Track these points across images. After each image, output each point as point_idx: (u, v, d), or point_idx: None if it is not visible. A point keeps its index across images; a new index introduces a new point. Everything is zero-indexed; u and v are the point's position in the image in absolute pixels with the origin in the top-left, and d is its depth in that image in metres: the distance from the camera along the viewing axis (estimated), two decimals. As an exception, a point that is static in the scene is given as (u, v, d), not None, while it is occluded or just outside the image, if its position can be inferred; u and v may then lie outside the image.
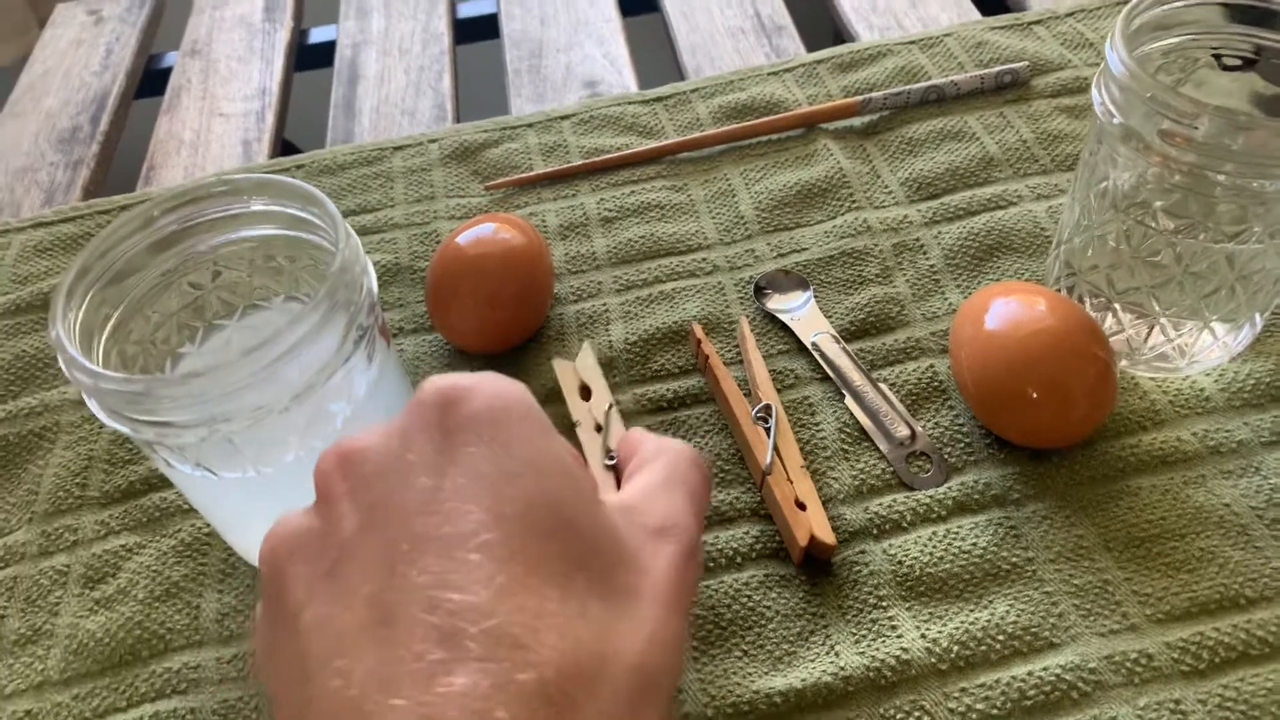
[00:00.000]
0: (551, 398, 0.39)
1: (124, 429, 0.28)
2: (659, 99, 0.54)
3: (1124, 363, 0.38)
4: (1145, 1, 0.33)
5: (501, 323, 0.41)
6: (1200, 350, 0.36)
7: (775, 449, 0.36)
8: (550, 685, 0.18)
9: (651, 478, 0.25)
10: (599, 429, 0.37)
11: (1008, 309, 0.36)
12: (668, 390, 0.40)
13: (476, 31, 0.66)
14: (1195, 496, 0.34)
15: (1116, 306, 0.36)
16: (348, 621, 0.19)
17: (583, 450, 0.36)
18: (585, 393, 0.38)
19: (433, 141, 0.53)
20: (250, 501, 0.31)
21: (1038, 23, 0.55)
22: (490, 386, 0.22)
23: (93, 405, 0.28)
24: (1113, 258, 0.35)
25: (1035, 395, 0.34)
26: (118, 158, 0.59)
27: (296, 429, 0.29)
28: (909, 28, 0.57)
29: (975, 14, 0.58)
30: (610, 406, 0.37)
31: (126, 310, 0.32)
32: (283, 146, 0.60)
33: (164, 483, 0.39)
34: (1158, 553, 0.33)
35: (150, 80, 0.65)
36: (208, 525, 0.37)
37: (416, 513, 0.20)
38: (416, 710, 0.17)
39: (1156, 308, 0.35)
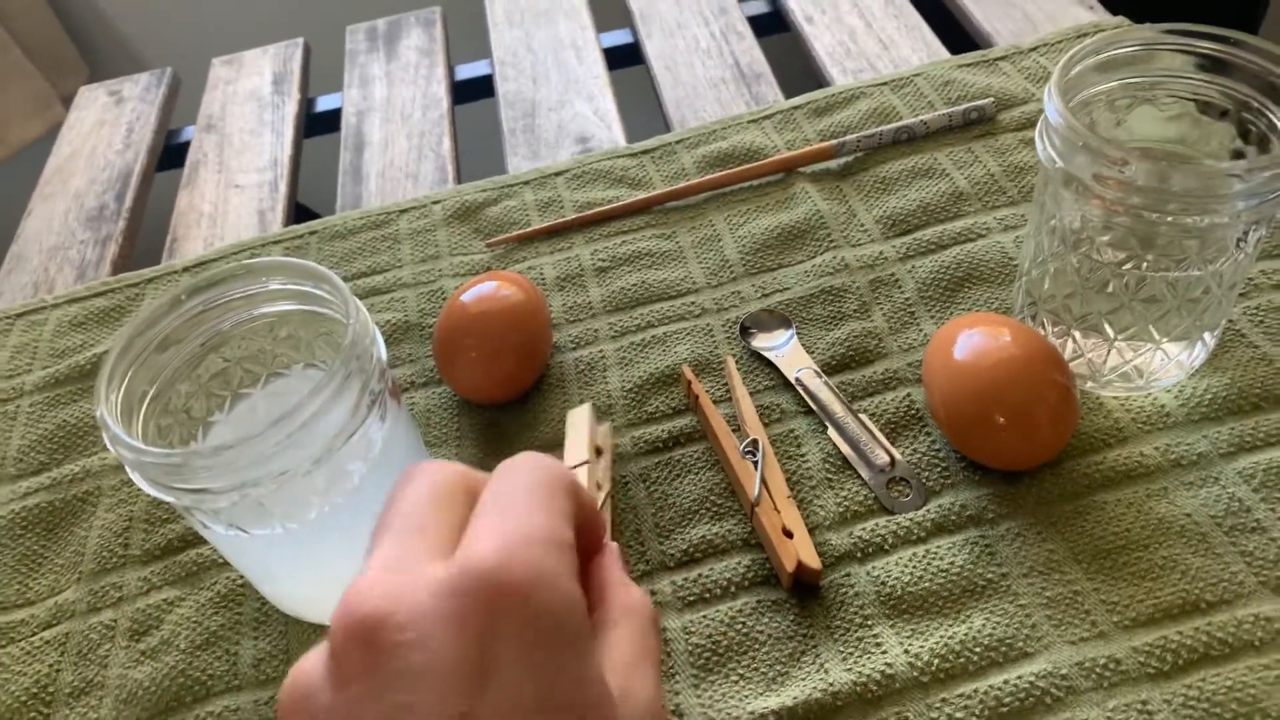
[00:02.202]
0: (551, 446, 0.42)
1: (165, 497, 0.31)
2: (646, 151, 0.57)
3: (1088, 384, 0.40)
4: (1081, 51, 0.36)
5: (505, 374, 0.44)
6: (1157, 369, 0.39)
7: (763, 481, 0.38)
8: None
9: (626, 649, 0.23)
10: (598, 487, 0.39)
11: (973, 341, 0.38)
12: (662, 431, 0.42)
13: (473, 91, 0.70)
14: (1158, 508, 0.37)
15: (1075, 333, 0.39)
16: None
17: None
18: (601, 453, 0.41)
19: (436, 203, 0.56)
20: (280, 555, 0.34)
21: (1003, 58, 0.58)
22: (546, 597, 0.20)
23: (135, 476, 0.31)
24: (1068, 288, 0.38)
25: (1002, 421, 0.37)
26: (143, 230, 0.63)
27: (319, 488, 0.32)
28: (881, 69, 0.60)
29: (944, 53, 0.60)
30: (605, 495, 0.39)
31: (161, 386, 0.35)
32: (296, 211, 0.63)
33: (199, 539, 0.42)
34: (1124, 563, 0.35)
35: (170, 154, 0.69)
36: (241, 577, 0.40)
37: None
38: None
39: (1111, 333, 0.38)
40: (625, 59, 0.69)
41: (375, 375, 0.33)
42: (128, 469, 0.31)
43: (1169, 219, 0.33)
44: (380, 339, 0.34)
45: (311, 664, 0.20)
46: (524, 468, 0.23)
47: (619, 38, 0.70)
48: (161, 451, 0.30)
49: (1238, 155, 0.37)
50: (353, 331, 0.32)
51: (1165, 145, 0.38)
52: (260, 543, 0.33)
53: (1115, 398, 0.40)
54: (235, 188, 0.61)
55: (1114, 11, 0.61)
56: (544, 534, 0.21)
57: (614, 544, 0.26)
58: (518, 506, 0.22)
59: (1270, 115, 0.35)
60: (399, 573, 0.20)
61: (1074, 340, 0.39)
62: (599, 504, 0.39)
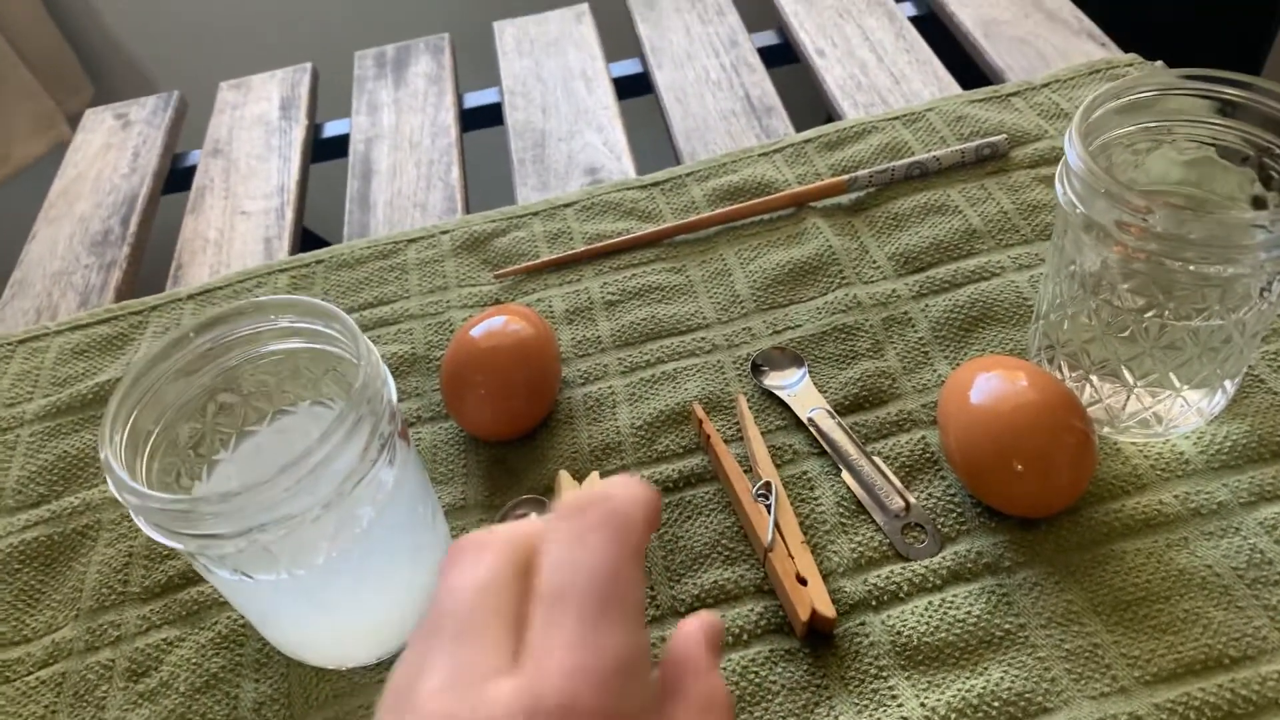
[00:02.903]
0: (543, 491, 0.42)
1: (170, 542, 0.30)
2: (656, 184, 0.57)
3: (1106, 429, 0.40)
4: (1102, 96, 0.35)
5: (513, 411, 0.43)
6: (1176, 416, 0.38)
7: (776, 526, 0.38)
8: None
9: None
10: None
11: (990, 384, 0.38)
12: (673, 470, 0.42)
13: (482, 120, 0.69)
14: (1178, 559, 0.36)
15: (1093, 377, 0.38)
16: None
17: None
18: None
19: (444, 233, 0.56)
20: (284, 601, 0.34)
21: (1015, 94, 0.58)
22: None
23: (140, 521, 0.30)
24: (1086, 333, 0.37)
25: (1020, 468, 0.36)
26: (149, 255, 0.62)
27: (327, 534, 0.32)
28: (893, 104, 0.60)
29: (956, 88, 0.60)
30: None
31: (166, 425, 0.34)
32: (303, 235, 0.63)
33: (201, 577, 0.41)
34: (1144, 615, 0.35)
35: (176, 177, 0.68)
36: (243, 617, 0.39)
37: None
38: None
39: (1130, 379, 0.37)
40: (635, 89, 0.69)
41: (385, 418, 0.33)
42: (132, 514, 0.31)
43: (1190, 267, 0.32)
44: (390, 380, 0.34)
45: None
46: (588, 544, 0.21)
47: (629, 68, 0.70)
48: (168, 497, 0.29)
49: (1258, 201, 0.36)
50: (364, 374, 0.31)
51: (1184, 189, 0.38)
52: (265, 588, 0.32)
53: (1134, 443, 0.40)
54: (241, 214, 0.61)
55: (1125, 48, 0.61)
56: (619, 657, 0.19)
57: (712, 619, 0.25)
58: (589, 610, 0.20)
59: (1292, 163, 0.34)
60: (461, 697, 0.19)
61: (1092, 385, 0.38)
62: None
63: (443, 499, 0.43)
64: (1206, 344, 0.35)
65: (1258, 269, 0.32)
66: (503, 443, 0.44)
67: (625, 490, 0.22)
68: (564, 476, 0.41)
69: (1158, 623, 0.34)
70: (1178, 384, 0.36)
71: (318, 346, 0.35)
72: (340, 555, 0.32)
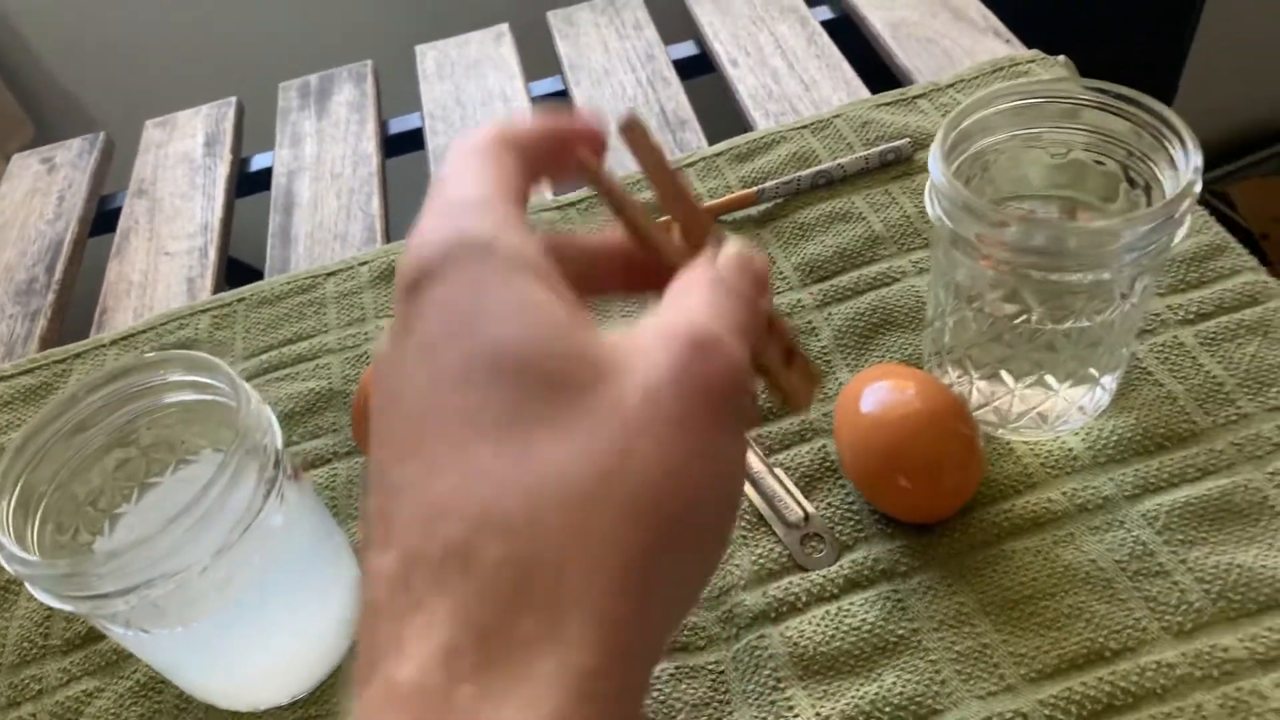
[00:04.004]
0: None
1: (62, 605, 0.31)
2: (571, 204, 0.57)
3: (999, 430, 0.41)
4: (962, 112, 0.36)
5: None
6: (1060, 415, 0.39)
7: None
8: (466, 545, 0.16)
9: (667, 300, 0.20)
10: None
11: (879, 394, 0.39)
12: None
13: (407, 145, 0.70)
14: (1065, 555, 0.37)
15: (979, 381, 0.39)
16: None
17: None
18: None
19: (363, 264, 0.56)
20: (184, 653, 0.34)
21: (921, 96, 0.59)
22: (436, 244, 0.19)
23: (30, 587, 0.31)
24: (967, 339, 0.38)
25: (908, 475, 0.37)
26: (77, 300, 0.62)
27: (217, 584, 0.32)
28: (803, 111, 0.61)
29: (865, 92, 0.61)
30: None
31: (60, 484, 0.35)
32: (237, 269, 0.64)
33: (121, 626, 0.42)
34: (1031, 613, 0.36)
35: (105, 219, 0.69)
36: (161, 664, 0.40)
37: (380, 398, 0.19)
38: (366, 602, 0.17)
39: (1011, 382, 0.38)
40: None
41: (271, 462, 0.33)
42: (24, 581, 0.31)
43: (1052, 276, 0.33)
44: (275, 425, 0.34)
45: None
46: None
47: (549, 86, 0.70)
48: (49, 563, 0.29)
49: (1132, 203, 0.37)
50: (243, 423, 0.32)
51: (1062, 192, 0.39)
52: (164, 641, 0.33)
53: (1025, 442, 0.41)
54: (165, 255, 0.61)
55: (1029, 44, 0.62)
56: (436, 209, 0.20)
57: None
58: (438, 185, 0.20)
59: (1152, 164, 0.35)
60: (445, 217, 0.19)
61: (979, 389, 0.39)
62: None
63: (354, 534, 0.43)
64: (1078, 345, 0.36)
65: (1118, 273, 0.33)
66: (416, 475, 0.45)
67: None
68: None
69: (1043, 619, 0.35)
70: (1055, 385, 0.37)
71: (207, 397, 0.36)
72: (234, 604, 0.33)
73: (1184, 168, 0.33)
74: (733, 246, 0.22)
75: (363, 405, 0.44)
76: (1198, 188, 0.32)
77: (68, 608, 0.31)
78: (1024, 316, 0.35)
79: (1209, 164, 1.30)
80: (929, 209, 0.36)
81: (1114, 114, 0.36)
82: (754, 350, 0.21)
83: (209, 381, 0.35)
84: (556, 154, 0.22)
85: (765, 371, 0.23)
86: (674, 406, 0.17)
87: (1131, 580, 0.36)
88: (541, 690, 0.15)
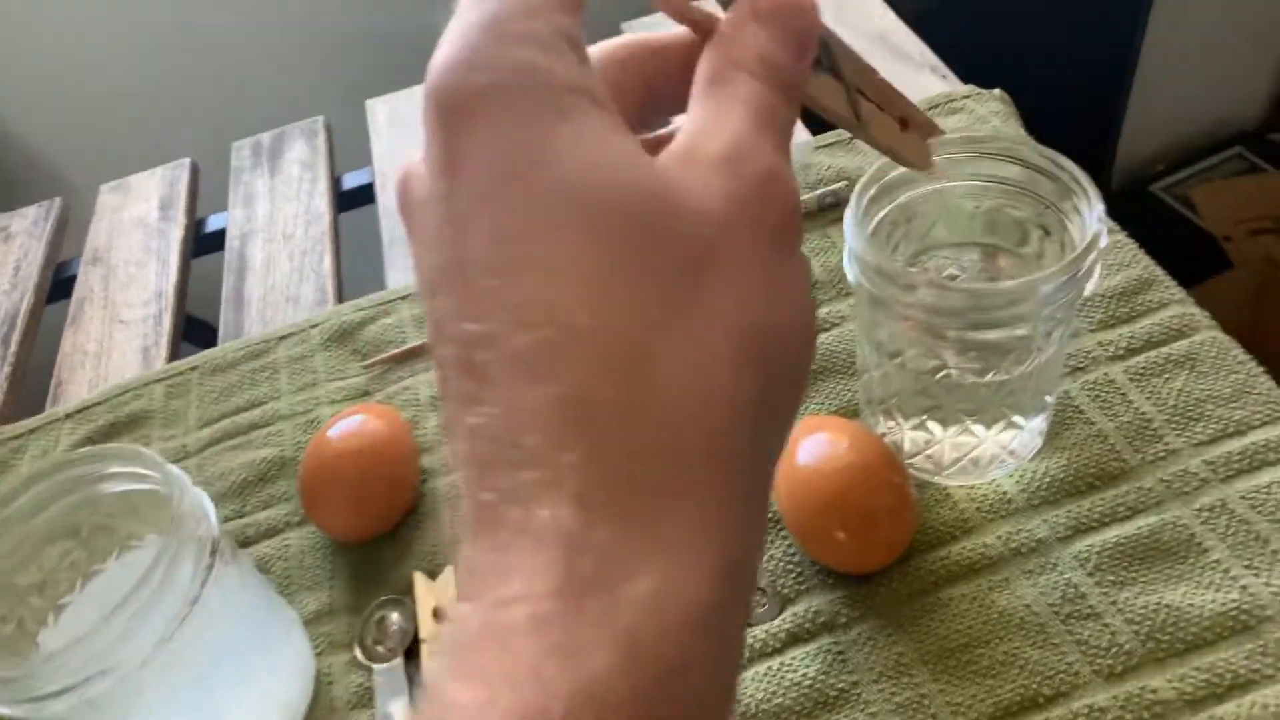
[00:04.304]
0: (406, 594, 0.43)
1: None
2: (519, 257, 0.58)
3: (936, 477, 0.41)
4: (875, 174, 0.37)
5: (371, 513, 0.44)
6: (991, 461, 0.40)
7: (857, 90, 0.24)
8: (580, 396, 0.16)
9: (708, 105, 0.19)
10: None
11: (813, 447, 0.39)
12: (530, 555, 0.43)
13: (361, 199, 0.71)
14: (1000, 601, 0.38)
15: (909, 431, 0.40)
16: (434, 364, 0.19)
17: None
18: (439, 614, 0.41)
19: (314, 326, 0.57)
20: (127, 744, 0.34)
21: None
22: (497, 79, 0.17)
23: (-37, 690, 0.31)
24: (894, 390, 0.39)
25: (844, 528, 0.38)
26: (35, 369, 0.63)
27: (157, 676, 0.33)
28: (745, 154, 0.61)
29: (804, 134, 0.62)
30: None
31: (2, 576, 0.35)
32: (190, 326, 0.64)
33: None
34: (967, 661, 0.36)
35: (61, 287, 0.69)
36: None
37: (433, 244, 0.18)
38: (464, 452, 0.17)
39: (939, 431, 0.39)
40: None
41: (208, 550, 0.34)
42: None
43: (969, 334, 0.34)
44: (212, 512, 0.35)
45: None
46: None
47: (499, 134, 0.71)
48: (-20, 669, 0.30)
49: (1045, 250, 0.38)
50: (177, 513, 0.32)
51: (982, 239, 0.40)
52: (106, 734, 0.33)
53: (962, 487, 0.41)
54: (120, 323, 0.62)
55: (973, 70, 0.63)
56: (478, 22, 0.18)
57: None
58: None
59: (1061, 213, 0.36)
60: (488, 33, 0.18)
61: (910, 438, 0.40)
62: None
63: (309, 606, 0.44)
64: (1001, 394, 0.37)
65: (1033, 328, 0.34)
66: (366, 543, 0.45)
67: None
68: (418, 577, 0.42)
69: (979, 667, 0.36)
70: (982, 433, 0.38)
71: (145, 487, 0.36)
72: (176, 695, 0.33)
73: (1089, 220, 0.34)
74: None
75: (310, 475, 0.44)
76: (1103, 241, 0.33)
77: (3, 710, 0.31)
78: (944, 372, 0.36)
79: (1171, 167, 1.32)
80: (847, 271, 0.37)
81: (1022, 165, 0.36)
82: (868, 132, 0.23)
83: (144, 471, 0.35)
84: None
85: (883, 146, 0.24)
86: (752, 250, 0.17)
87: (1064, 624, 0.36)
88: (681, 548, 0.15)
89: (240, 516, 0.48)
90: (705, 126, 0.19)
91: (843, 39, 0.23)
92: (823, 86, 0.23)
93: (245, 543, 0.47)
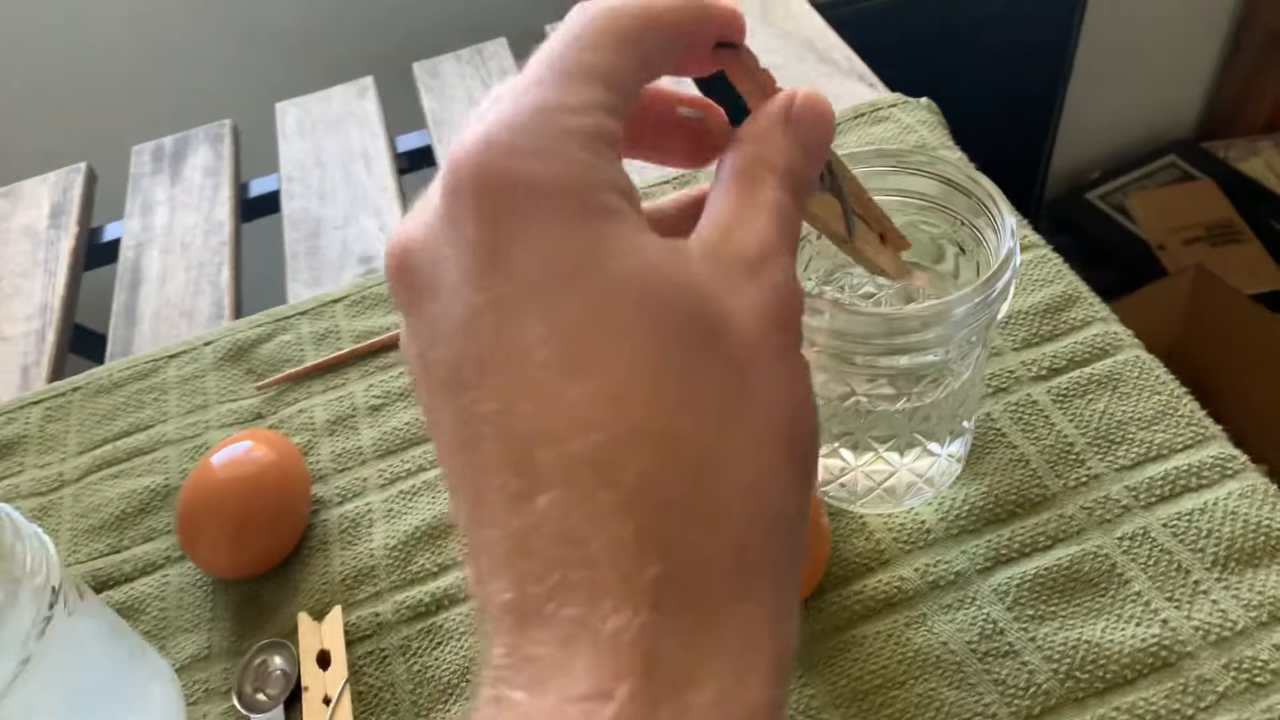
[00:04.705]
0: (290, 636, 0.40)
1: None
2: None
3: (852, 506, 0.39)
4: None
5: (255, 548, 0.41)
6: (907, 489, 0.38)
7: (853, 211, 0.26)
8: (649, 498, 0.16)
9: (737, 199, 0.20)
10: (327, 701, 0.37)
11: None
12: (426, 594, 0.40)
13: (268, 206, 0.67)
14: (916, 638, 0.36)
15: (824, 459, 0.38)
16: (443, 438, 0.18)
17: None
18: (324, 659, 0.38)
19: (207, 344, 0.53)
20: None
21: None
22: (533, 173, 0.17)
23: None
24: (808, 417, 0.37)
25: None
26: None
27: (-14, 744, 0.29)
28: (667, 170, 0.59)
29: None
30: (344, 684, 0.37)
31: None
32: (78, 337, 0.60)
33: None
34: (881, 703, 0.34)
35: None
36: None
37: (465, 331, 0.17)
38: (505, 542, 0.16)
39: (852, 459, 0.37)
40: (424, 162, 0.67)
41: (46, 599, 0.30)
42: None
43: (870, 360, 0.32)
44: (53, 553, 0.31)
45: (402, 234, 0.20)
46: (560, 27, 0.20)
47: (416, 140, 0.68)
48: None
49: (960, 268, 0.36)
50: (17, 560, 0.29)
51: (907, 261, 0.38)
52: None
53: (879, 515, 0.39)
54: (1, 340, 0.58)
55: (904, 81, 0.61)
56: (531, 102, 0.18)
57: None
58: (516, 82, 0.19)
59: (978, 231, 0.34)
60: (426, 198, 0.19)
61: (824, 466, 0.38)
62: (333, 704, 0.36)
63: (185, 649, 0.40)
64: (913, 421, 0.35)
65: (944, 354, 0.32)
66: (249, 581, 0.42)
67: None
68: (303, 619, 0.39)
69: (893, 710, 0.34)
70: (896, 461, 0.36)
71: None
72: (8, 765, 0.30)
73: (1003, 238, 0.32)
74: (780, 110, 0.21)
75: (188, 507, 0.41)
76: (1016, 261, 0.31)
77: None
78: (852, 399, 0.34)
79: (1107, 175, 1.33)
80: (754, 288, 0.34)
81: (937, 180, 0.35)
82: (854, 246, 0.26)
83: (-18, 516, 0.32)
84: (692, 36, 0.21)
85: (865, 259, 0.26)
86: (781, 349, 0.18)
87: (981, 662, 0.35)
88: (742, 649, 0.16)
89: (116, 552, 0.45)
90: (734, 224, 0.19)
91: (843, 159, 0.25)
92: (823, 204, 0.25)
93: (121, 580, 0.43)
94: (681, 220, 0.22)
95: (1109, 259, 1.41)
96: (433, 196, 0.19)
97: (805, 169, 0.21)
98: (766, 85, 0.22)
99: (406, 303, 0.19)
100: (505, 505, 0.17)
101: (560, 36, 0.19)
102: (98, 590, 0.43)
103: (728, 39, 0.21)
